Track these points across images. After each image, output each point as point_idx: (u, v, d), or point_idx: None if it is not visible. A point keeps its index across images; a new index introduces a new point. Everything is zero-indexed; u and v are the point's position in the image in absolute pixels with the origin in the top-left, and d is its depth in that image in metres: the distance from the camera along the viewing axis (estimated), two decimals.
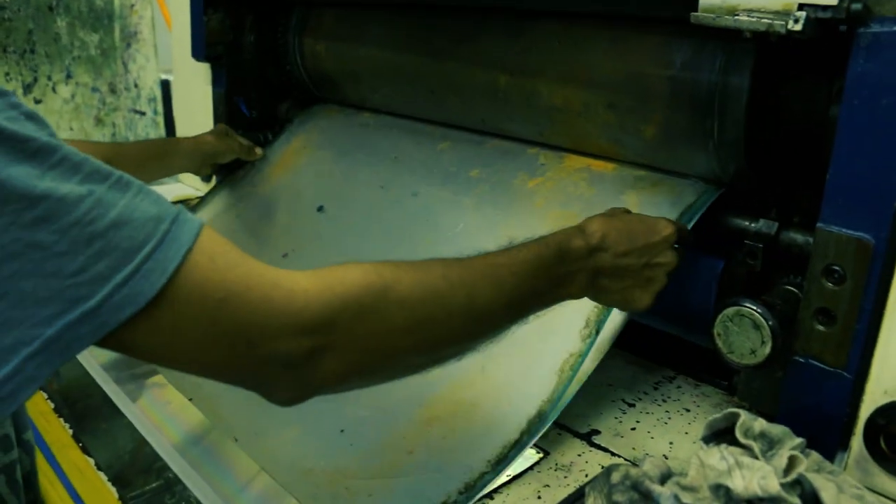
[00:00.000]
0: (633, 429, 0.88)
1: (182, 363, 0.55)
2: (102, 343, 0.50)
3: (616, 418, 0.90)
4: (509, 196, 1.06)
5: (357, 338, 0.57)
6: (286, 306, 0.54)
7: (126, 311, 0.48)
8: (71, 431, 0.86)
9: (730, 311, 0.78)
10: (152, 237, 0.49)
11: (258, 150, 1.47)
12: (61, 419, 0.89)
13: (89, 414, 0.92)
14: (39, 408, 0.90)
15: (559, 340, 0.86)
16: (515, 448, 0.79)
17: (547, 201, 1.02)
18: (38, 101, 2.95)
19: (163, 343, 0.51)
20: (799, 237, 0.85)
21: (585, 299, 0.76)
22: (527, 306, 0.69)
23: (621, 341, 1.01)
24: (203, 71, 1.60)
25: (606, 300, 0.77)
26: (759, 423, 0.66)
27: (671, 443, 0.86)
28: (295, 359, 0.54)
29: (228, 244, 0.54)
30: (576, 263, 0.71)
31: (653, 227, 0.76)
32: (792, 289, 0.84)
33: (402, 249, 1.07)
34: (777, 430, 0.67)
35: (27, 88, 2.93)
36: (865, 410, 0.76)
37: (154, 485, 0.79)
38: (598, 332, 0.84)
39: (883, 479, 0.76)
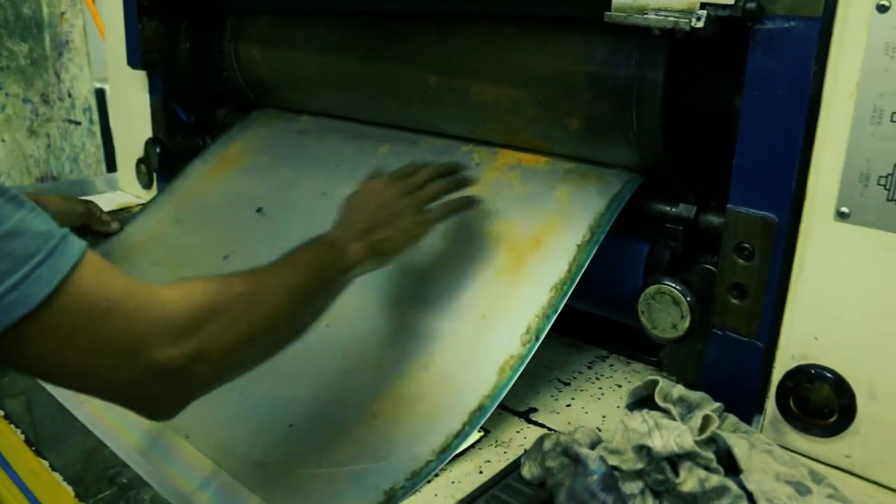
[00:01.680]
0: (569, 405, 0.93)
1: (69, 375, 0.59)
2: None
3: (552, 396, 0.95)
4: None
5: (219, 335, 0.63)
6: (160, 314, 0.60)
7: (17, 312, 0.52)
8: (23, 437, 0.88)
9: (651, 289, 0.84)
10: (43, 248, 0.54)
11: (114, 225, 1.47)
12: (12, 425, 0.90)
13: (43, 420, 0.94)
14: None
15: (500, 343, 0.90)
16: (458, 437, 0.83)
17: (487, 209, 1.05)
18: None
19: (51, 352, 0.55)
20: (715, 219, 0.91)
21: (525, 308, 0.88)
22: (327, 280, 0.78)
23: (556, 325, 1.07)
24: (139, 79, 1.61)
25: (391, 250, 0.87)
26: (678, 389, 0.72)
27: (604, 416, 0.91)
28: (173, 365, 0.60)
29: (109, 264, 0.60)
30: (338, 241, 0.83)
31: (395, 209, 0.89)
32: (709, 267, 0.91)
33: None
34: (695, 395, 0.73)
35: None
36: (777, 375, 0.83)
37: (108, 491, 0.81)
38: (537, 339, 0.88)
39: (794, 437, 0.82)
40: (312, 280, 0.76)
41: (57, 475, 0.79)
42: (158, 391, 0.61)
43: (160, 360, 0.59)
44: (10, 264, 0.52)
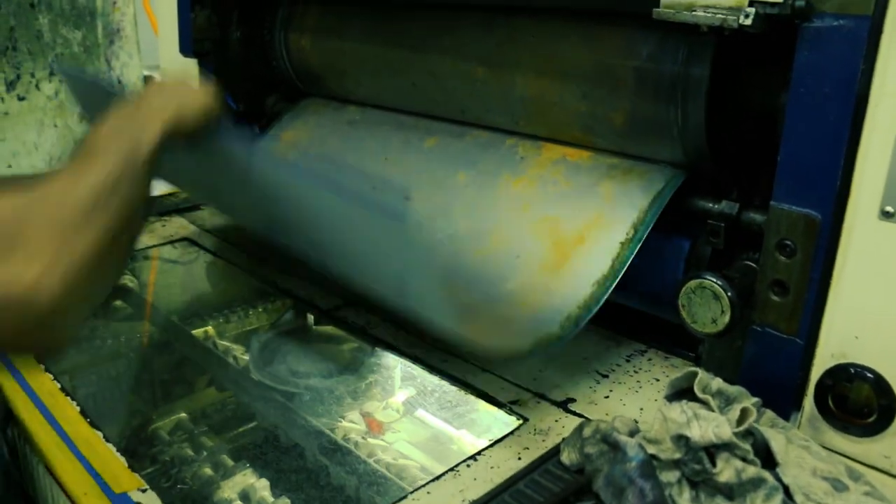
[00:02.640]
0: (607, 397, 0.94)
1: None
2: None
3: (591, 388, 0.96)
4: (496, 201, 1.10)
5: (45, 241, 0.63)
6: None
7: None
8: (79, 409, 0.91)
9: (692, 283, 0.85)
10: None
11: None
12: (69, 398, 0.94)
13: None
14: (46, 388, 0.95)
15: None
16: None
17: (532, 205, 1.07)
18: (21, 98, 2.97)
19: None
20: (758, 217, 0.91)
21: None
22: (139, 172, 0.72)
23: (596, 318, 1.08)
24: (190, 66, 1.65)
25: (192, 109, 0.81)
26: (717, 382, 0.73)
27: (641, 408, 0.92)
28: (16, 286, 0.61)
29: None
30: (134, 116, 0.76)
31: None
32: (750, 263, 0.91)
33: None
34: (733, 389, 0.74)
35: (10, 86, 2.94)
36: (816, 373, 0.83)
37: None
38: (577, 326, 0.90)
39: (831, 436, 0.83)
40: (122, 170, 0.70)
41: (111, 446, 0.83)
42: (22, 322, 0.62)
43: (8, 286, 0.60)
44: None
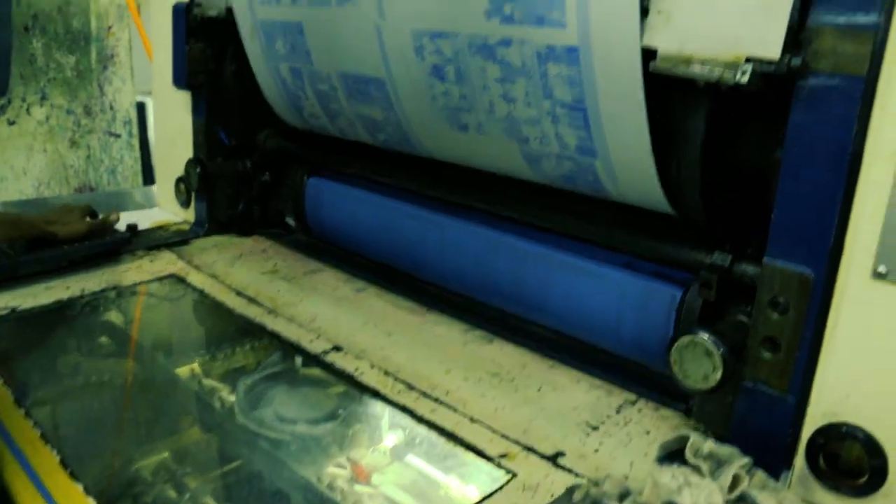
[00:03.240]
0: (597, 450, 0.93)
1: None
2: None
3: (580, 440, 0.95)
4: None
5: None
6: None
7: None
8: (59, 458, 0.89)
9: (684, 339, 0.84)
10: None
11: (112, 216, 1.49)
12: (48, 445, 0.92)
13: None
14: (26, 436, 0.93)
15: None
16: None
17: None
18: (11, 123, 2.96)
19: None
20: (750, 269, 0.91)
21: None
22: None
23: (587, 365, 1.07)
24: (183, 98, 1.64)
25: None
26: (709, 445, 0.72)
27: (632, 462, 0.91)
28: None
29: None
30: None
31: None
32: (743, 318, 0.91)
33: None
34: (725, 450, 0.73)
35: (0, 110, 2.94)
36: (807, 431, 0.82)
37: None
38: None
39: (822, 495, 0.82)
40: None
41: (91, 500, 0.81)
42: None
43: None
44: None
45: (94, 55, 3.27)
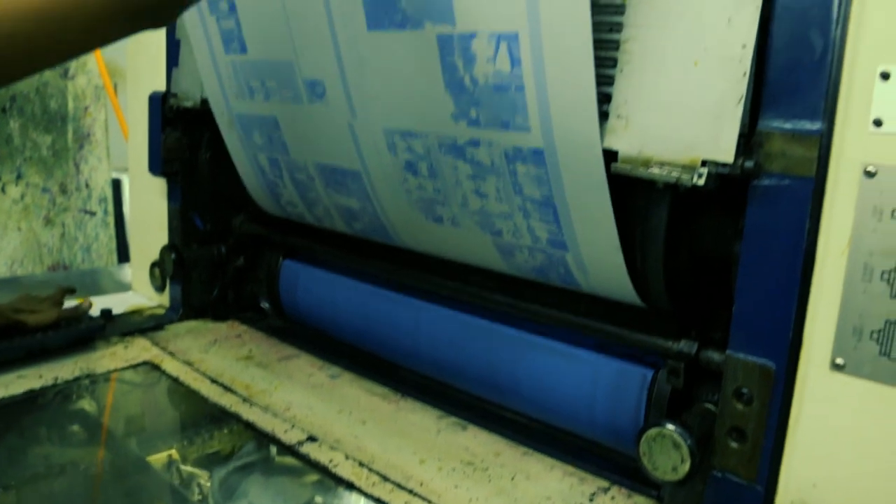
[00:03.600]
0: None
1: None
2: None
3: None
4: None
5: None
6: None
7: None
8: None
9: (652, 431, 0.86)
10: None
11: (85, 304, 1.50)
12: None
13: None
14: None
15: None
16: None
17: None
18: None
19: None
20: (716, 356, 0.94)
21: None
22: None
23: (559, 451, 1.08)
24: (158, 183, 1.67)
25: None
26: None
27: None
28: None
29: None
30: None
31: None
32: (710, 406, 0.93)
33: None
34: None
35: None
36: None
37: None
38: None
39: None
40: None
41: None
42: None
43: None
44: None
45: (70, 134, 3.29)
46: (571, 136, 0.87)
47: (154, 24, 0.81)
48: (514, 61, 0.88)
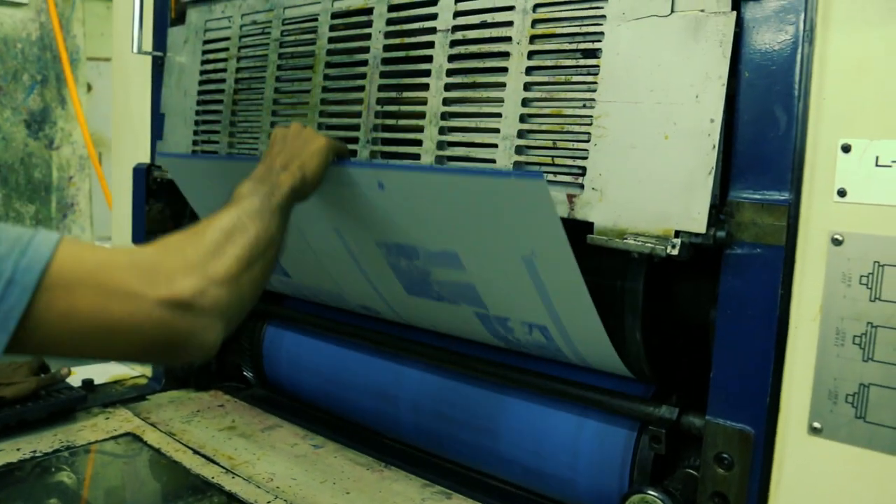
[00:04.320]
0: None
1: (89, 330, 0.67)
2: (25, 332, 0.62)
3: None
4: None
5: (212, 258, 0.74)
6: (149, 259, 0.71)
7: (35, 269, 0.62)
8: None
9: (635, 498, 0.87)
10: (28, 232, 0.65)
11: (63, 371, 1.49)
12: None
13: None
14: None
15: None
16: None
17: None
18: None
19: (67, 309, 0.64)
20: (697, 421, 0.94)
21: None
22: (272, 206, 0.88)
23: None
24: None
25: (310, 172, 0.98)
26: None
27: None
28: (185, 296, 0.69)
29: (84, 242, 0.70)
30: (265, 175, 0.94)
31: (306, 136, 1.02)
32: (692, 472, 0.93)
33: None
34: None
35: None
36: None
37: None
38: None
39: None
40: (264, 208, 0.86)
41: None
42: (186, 324, 0.70)
43: (166, 295, 0.68)
44: (10, 242, 0.63)
45: (54, 204, 3.31)
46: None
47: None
48: (548, 338, 1.02)
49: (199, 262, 0.73)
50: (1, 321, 0.61)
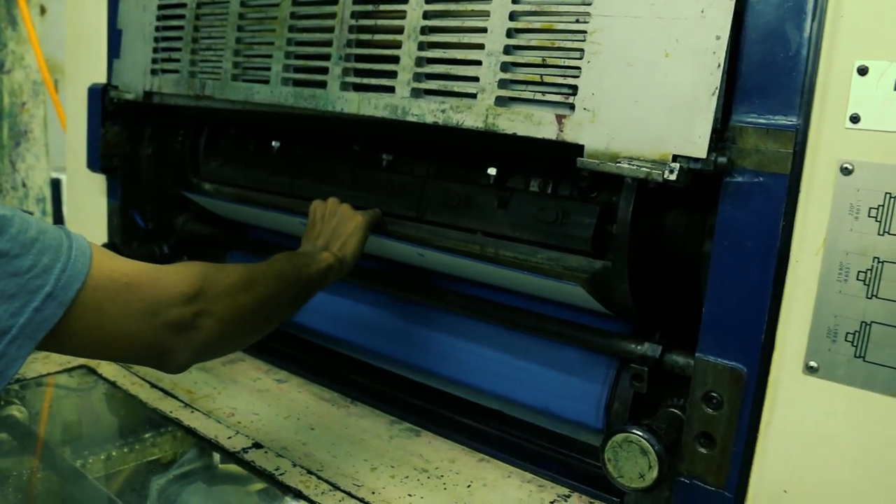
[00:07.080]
0: None
1: (105, 344, 0.71)
2: (51, 338, 0.65)
3: None
4: None
5: (218, 298, 0.78)
6: (169, 283, 0.74)
7: (73, 288, 0.65)
8: None
9: (618, 437, 0.82)
10: (65, 239, 0.67)
11: None
12: None
13: None
14: None
15: None
16: None
17: None
18: None
19: (94, 323, 0.68)
20: (681, 360, 0.91)
21: None
22: (303, 278, 0.93)
23: (518, 457, 1.04)
24: (98, 180, 1.59)
25: (350, 252, 1.03)
26: None
27: None
28: (184, 321, 0.74)
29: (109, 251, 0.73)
30: (307, 252, 1.00)
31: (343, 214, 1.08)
32: (676, 412, 0.89)
33: None
34: None
35: None
36: None
37: None
38: None
39: None
40: (291, 274, 0.91)
41: None
42: (173, 345, 0.74)
43: (173, 318, 0.73)
44: (53, 253, 0.64)
45: (5, 131, 3.16)
46: None
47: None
48: None
49: (211, 296, 0.77)
50: (32, 331, 0.64)
